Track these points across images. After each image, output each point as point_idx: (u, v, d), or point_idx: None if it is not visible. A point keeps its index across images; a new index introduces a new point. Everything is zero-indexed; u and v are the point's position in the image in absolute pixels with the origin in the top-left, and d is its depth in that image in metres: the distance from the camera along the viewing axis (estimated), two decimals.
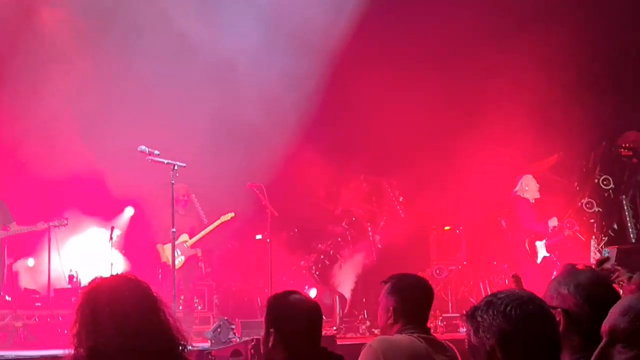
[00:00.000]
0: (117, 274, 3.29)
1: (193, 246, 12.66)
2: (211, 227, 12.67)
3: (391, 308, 4.67)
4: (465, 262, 13.66)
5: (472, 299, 13.34)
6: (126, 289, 3.14)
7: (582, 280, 3.07)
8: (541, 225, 12.46)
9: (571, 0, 13.49)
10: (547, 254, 12.50)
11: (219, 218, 12.66)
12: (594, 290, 3.02)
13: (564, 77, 13.13)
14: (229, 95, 13.52)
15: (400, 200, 14.14)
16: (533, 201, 12.52)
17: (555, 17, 13.40)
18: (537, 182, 12.58)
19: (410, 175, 13.90)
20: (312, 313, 4.06)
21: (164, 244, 12.35)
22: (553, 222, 12.42)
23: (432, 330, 4.76)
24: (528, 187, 12.54)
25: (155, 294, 3.19)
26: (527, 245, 12.57)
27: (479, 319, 2.47)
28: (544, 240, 12.52)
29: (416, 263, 13.05)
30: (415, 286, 4.73)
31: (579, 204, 13.41)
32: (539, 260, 12.55)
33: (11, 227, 11.38)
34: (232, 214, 12.58)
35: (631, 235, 13.21)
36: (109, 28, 13.29)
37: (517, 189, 12.61)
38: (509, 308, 2.42)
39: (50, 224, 11.42)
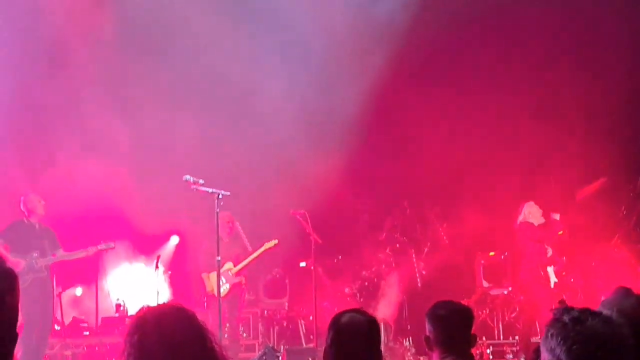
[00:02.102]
0: (164, 303, 3.34)
1: (237, 274, 12.72)
2: (255, 254, 12.73)
3: (426, 337, 4.69)
4: (511, 288, 13.54)
5: (518, 325, 13.20)
6: (173, 317, 3.18)
7: (627, 306, 3.03)
8: (544, 250, 12.40)
9: (618, 25, 13.39)
10: (556, 280, 12.39)
11: (262, 245, 12.73)
12: (637, 315, 2.98)
13: (610, 100, 13.03)
14: (272, 124, 13.63)
15: (445, 226, 14.06)
16: (541, 226, 12.44)
17: (602, 40, 13.33)
18: (540, 208, 12.51)
19: (454, 202, 13.84)
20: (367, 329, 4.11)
21: (209, 273, 12.43)
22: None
23: (478, 358, 4.76)
24: (532, 214, 12.44)
25: (201, 322, 3.23)
26: (541, 272, 12.46)
27: (549, 335, 2.38)
28: (552, 267, 12.41)
29: (461, 289, 12.97)
30: (448, 314, 4.71)
31: (626, 229, 13.23)
32: (552, 286, 12.45)
33: (58, 253, 11.43)
34: (276, 241, 12.63)
35: None
36: (154, 58, 13.48)
37: (520, 217, 12.51)
38: (574, 347, 2.31)
39: (98, 247, 11.45)
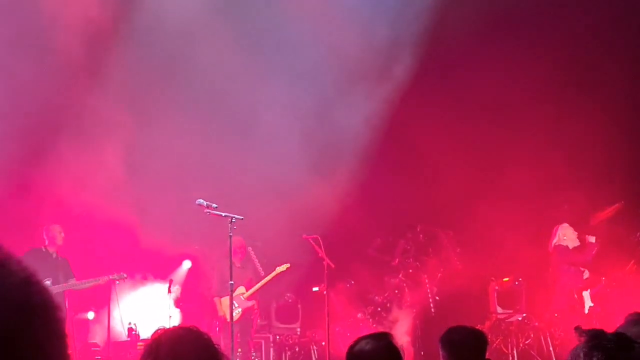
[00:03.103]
0: (180, 325, 3.32)
1: (249, 298, 12.69)
2: (267, 278, 12.73)
3: None
4: (525, 314, 13.43)
5: (533, 352, 13.08)
6: (188, 340, 3.16)
7: (635, 333, 3.00)
8: (580, 273, 12.33)
9: (633, 53, 13.41)
10: (592, 304, 12.28)
11: (274, 270, 12.71)
12: None
13: (625, 123, 13.00)
14: (282, 147, 13.65)
15: (458, 251, 14.00)
16: (575, 249, 12.38)
17: (616, 62, 13.33)
18: (575, 230, 12.45)
19: (468, 226, 13.78)
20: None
21: (221, 297, 12.41)
22: (591, 238, 12.26)
23: None
24: (566, 237, 12.38)
25: (216, 346, 3.21)
26: (575, 296, 12.38)
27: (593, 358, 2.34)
28: (588, 290, 12.33)
29: (475, 315, 12.87)
30: (462, 339, 4.67)
31: None
32: (586, 311, 12.34)
33: (69, 282, 11.60)
34: (288, 265, 12.63)
35: None
36: (166, 88, 13.53)
37: (555, 240, 12.46)
38: None
39: (110, 277, 11.60)
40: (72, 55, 12.67)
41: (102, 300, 12.18)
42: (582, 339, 2.35)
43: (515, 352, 13.25)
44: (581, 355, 2.32)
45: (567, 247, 12.41)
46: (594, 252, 12.46)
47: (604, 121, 13.06)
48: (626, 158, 13.28)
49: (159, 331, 3.22)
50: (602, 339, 2.32)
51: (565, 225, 12.55)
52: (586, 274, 12.51)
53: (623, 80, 13.26)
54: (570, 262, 12.50)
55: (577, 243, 12.44)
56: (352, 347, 4.10)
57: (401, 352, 4.14)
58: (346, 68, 13.94)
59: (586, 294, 12.34)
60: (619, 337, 2.34)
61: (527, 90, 13.35)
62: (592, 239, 12.48)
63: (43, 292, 1.52)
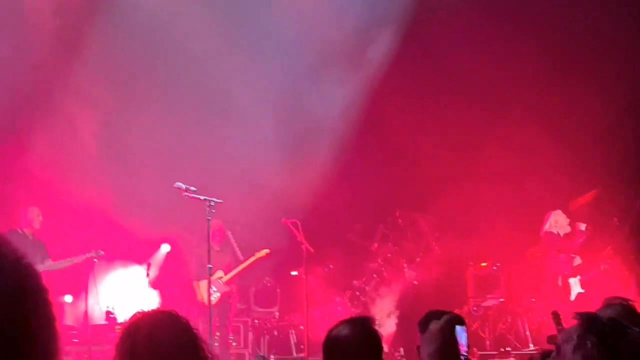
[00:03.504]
0: (158, 309, 3.30)
1: (228, 282, 12.68)
2: (246, 263, 12.71)
3: (418, 347, 4.64)
4: (502, 299, 13.51)
5: (510, 337, 13.18)
6: (166, 324, 3.14)
7: (609, 314, 3.01)
8: (570, 260, 12.40)
9: (612, 36, 13.42)
10: (582, 290, 12.36)
11: (254, 254, 12.69)
12: None
13: (603, 111, 13.05)
14: (262, 132, 13.60)
15: (436, 236, 14.04)
16: (565, 236, 12.45)
17: (594, 51, 13.36)
18: (567, 217, 12.53)
19: (447, 211, 13.82)
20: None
21: (199, 281, 12.38)
22: (582, 227, 12.34)
23: None
24: (558, 223, 12.45)
25: (193, 329, 3.19)
26: (560, 282, 12.46)
27: (587, 343, 2.30)
28: (578, 277, 12.40)
29: (453, 300, 12.93)
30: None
31: (619, 240, 13.23)
32: (572, 297, 12.41)
33: (45, 263, 11.53)
34: (267, 250, 12.62)
35: None
36: (145, 72, 13.43)
37: (546, 226, 12.54)
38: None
39: (87, 255, 11.50)
40: (49, 29, 12.55)
41: (80, 284, 12.11)
42: (575, 322, 2.34)
43: (492, 336, 13.34)
44: (574, 337, 2.30)
45: (556, 233, 12.47)
46: (581, 240, 12.54)
47: (586, 103, 13.09)
48: (605, 143, 13.33)
49: (136, 315, 3.20)
50: (597, 323, 2.32)
51: (558, 212, 12.62)
52: (577, 261, 12.58)
53: (607, 64, 13.27)
54: (558, 248, 12.57)
55: (567, 230, 12.50)
56: (330, 332, 4.08)
57: (380, 336, 4.13)
58: (322, 51, 13.89)
59: (574, 280, 12.41)
60: (614, 322, 2.32)
61: (508, 73, 13.33)
62: (583, 227, 12.55)
63: (34, 274, 1.49)
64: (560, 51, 13.69)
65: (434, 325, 2.73)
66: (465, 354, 2.81)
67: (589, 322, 2.29)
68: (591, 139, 13.30)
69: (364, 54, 14.05)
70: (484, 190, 13.37)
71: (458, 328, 2.76)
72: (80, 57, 13.23)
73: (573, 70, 13.35)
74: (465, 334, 2.86)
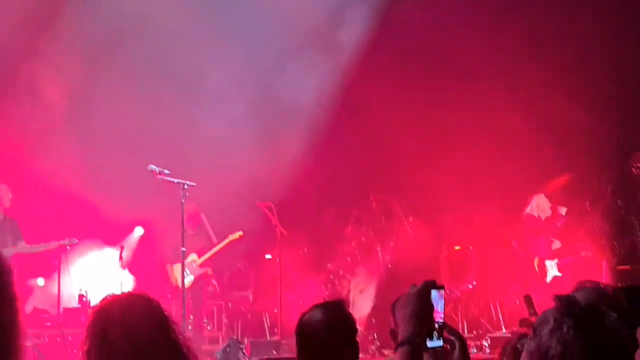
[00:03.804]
0: (128, 292, 3.28)
1: (202, 265, 12.65)
2: (219, 246, 12.69)
3: (391, 330, 4.65)
4: (475, 282, 13.58)
5: (482, 320, 13.26)
6: (138, 307, 3.13)
7: (580, 298, 3.03)
8: (549, 243, 12.50)
9: (587, 17, 13.46)
10: (559, 274, 12.45)
11: (227, 237, 12.67)
12: None
13: (576, 96, 13.10)
14: (237, 114, 13.54)
15: (410, 220, 14.07)
16: (544, 219, 12.54)
17: (569, 32, 13.40)
18: (550, 202, 12.62)
19: (421, 195, 13.85)
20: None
21: (173, 264, 12.35)
22: (562, 211, 12.46)
23: None
24: (539, 207, 12.54)
25: (166, 312, 3.18)
26: (535, 265, 12.55)
27: (563, 327, 2.28)
28: (556, 260, 12.50)
29: None
30: None
31: (591, 224, 13.34)
32: (548, 280, 12.51)
33: (18, 245, 11.39)
34: (240, 233, 12.60)
35: None
36: (117, 50, 13.31)
37: (528, 209, 12.62)
38: (597, 345, 2.25)
39: (61, 242, 11.43)
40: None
41: (52, 267, 12.05)
42: (550, 305, 2.33)
43: (465, 319, 13.42)
44: (551, 321, 2.29)
45: (537, 217, 12.56)
46: (560, 223, 12.64)
47: (561, 85, 13.14)
48: (579, 127, 13.39)
49: (107, 298, 3.18)
50: (575, 307, 2.30)
51: (541, 195, 12.71)
52: (557, 245, 12.66)
53: (584, 50, 13.32)
54: (537, 231, 12.67)
55: (548, 214, 12.60)
56: (302, 317, 4.08)
57: (354, 320, 4.13)
58: (296, 33, 13.83)
59: (551, 263, 12.50)
60: (592, 307, 2.31)
61: (485, 56, 13.35)
62: (563, 211, 12.66)
63: None
64: (537, 34, 13.69)
65: (412, 290, 2.73)
66: (441, 320, 2.80)
67: (567, 306, 2.28)
68: (566, 124, 13.35)
69: (338, 36, 14.00)
70: (459, 174, 13.41)
71: (434, 292, 2.75)
72: (51, 30, 13.09)
73: (550, 54, 13.37)
74: (442, 301, 2.85)
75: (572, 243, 12.63)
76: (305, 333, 4.00)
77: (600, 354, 2.21)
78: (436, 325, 2.78)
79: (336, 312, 4.06)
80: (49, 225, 12.44)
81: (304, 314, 4.08)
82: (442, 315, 2.81)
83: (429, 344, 2.74)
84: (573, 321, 2.24)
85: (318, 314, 4.02)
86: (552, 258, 12.53)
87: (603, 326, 2.24)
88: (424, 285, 2.71)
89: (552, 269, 12.52)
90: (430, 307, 2.70)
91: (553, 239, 12.65)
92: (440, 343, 2.79)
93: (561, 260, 12.51)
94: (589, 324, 2.24)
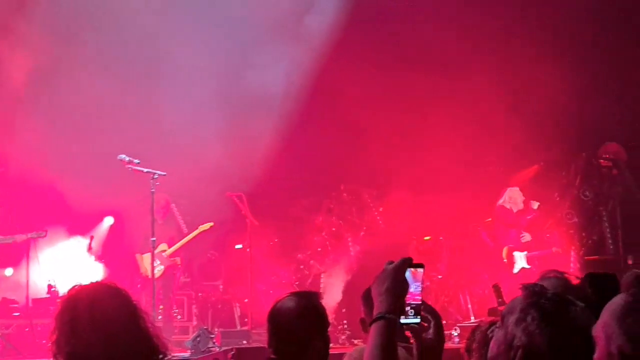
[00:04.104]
0: (96, 282, 3.27)
1: (172, 255, 12.61)
2: (189, 236, 12.65)
3: (361, 319, 4.67)
4: (445, 273, 13.67)
5: (451, 309, 13.35)
6: (106, 296, 3.13)
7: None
8: (519, 236, 12.61)
9: (554, 11, 13.55)
10: (527, 266, 12.56)
11: (198, 227, 12.63)
12: None
13: (545, 88, 13.19)
14: (207, 103, 13.46)
15: (380, 210, 14.12)
16: (516, 212, 12.65)
17: (536, 26, 13.47)
18: (523, 194, 12.73)
19: (391, 185, 13.89)
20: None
21: (142, 254, 12.30)
22: (534, 205, 12.58)
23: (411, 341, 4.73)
24: (512, 199, 12.64)
25: (135, 302, 3.18)
26: (504, 255, 12.65)
27: (528, 318, 2.28)
28: (525, 252, 12.61)
29: None
30: None
31: (560, 215, 13.47)
32: (515, 271, 12.62)
33: None
34: (211, 224, 12.56)
35: (610, 247, 13.27)
36: (84, 35, 13.18)
37: (501, 200, 12.72)
38: (559, 336, 2.25)
39: (29, 235, 11.33)
40: None
41: (20, 257, 11.96)
42: (521, 294, 2.32)
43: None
44: (517, 310, 2.29)
45: (509, 208, 12.67)
46: (530, 217, 12.75)
47: (532, 76, 13.21)
48: (546, 119, 13.49)
49: (75, 287, 3.18)
50: (541, 297, 2.28)
51: (515, 188, 12.84)
52: (527, 238, 12.77)
53: (559, 40, 13.40)
54: (507, 223, 12.77)
55: (520, 207, 12.70)
56: (275, 304, 4.11)
57: (325, 310, 4.17)
58: (266, 21, 13.76)
59: (520, 255, 12.61)
60: (558, 297, 2.29)
61: (459, 43, 13.38)
62: (535, 205, 12.76)
63: None
64: (511, 25, 13.71)
65: (387, 266, 2.73)
66: (419, 298, 2.78)
67: (533, 296, 2.27)
68: (534, 114, 13.44)
69: (308, 23, 13.95)
70: (429, 165, 13.45)
71: (412, 270, 2.74)
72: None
73: (525, 45, 13.42)
74: (421, 280, 2.82)
75: (544, 238, 12.76)
76: (277, 319, 4.03)
77: (564, 345, 2.21)
78: (414, 304, 2.78)
79: (308, 301, 4.09)
80: (18, 216, 12.33)
81: (277, 302, 4.12)
82: (420, 294, 2.79)
83: (404, 320, 2.74)
84: (538, 312, 2.24)
85: (290, 302, 4.06)
86: (521, 250, 12.65)
87: (568, 317, 2.23)
88: (401, 261, 2.71)
89: (521, 261, 12.63)
90: (406, 284, 2.69)
91: (523, 232, 12.76)
92: (416, 320, 2.79)
93: (530, 253, 12.63)
94: (554, 315, 2.23)
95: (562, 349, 2.21)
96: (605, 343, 2.15)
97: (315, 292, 4.28)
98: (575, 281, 3.18)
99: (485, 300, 11.81)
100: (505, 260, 12.74)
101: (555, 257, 12.61)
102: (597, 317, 2.41)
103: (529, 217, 12.84)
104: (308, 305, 4.08)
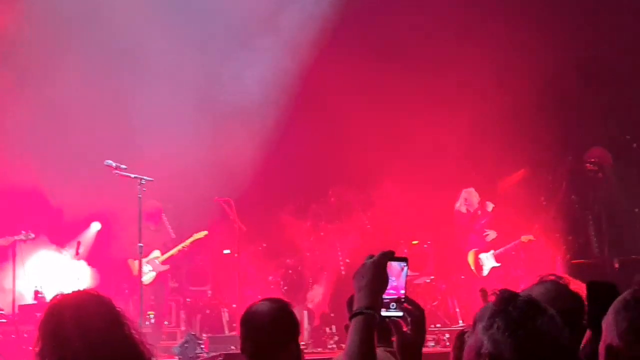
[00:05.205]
0: (79, 290, 3.27)
1: (165, 262, 12.59)
2: (184, 244, 12.63)
3: (346, 325, 4.68)
4: (433, 277, 13.69)
5: (439, 314, 13.37)
6: (90, 304, 3.13)
7: (537, 290, 3.03)
8: (482, 237, 12.65)
9: (537, 14, 13.61)
10: (497, 264, 12.60)
11: (187, 232, 12.62)
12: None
13: (530, 92, 13.23)
14: (193, 108, 13.44)
15: (368, 214, 14.13)
16: (470, 215, 12.68)
17: (521, 30, 13.50)
18: (479, 195, 12.74)
19: (379, 190, 13.92)
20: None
21: (135, 259, 12.27)
22: (489, 207, 12.60)
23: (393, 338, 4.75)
24: (467, 200, 12.66)
25: (118, 309, 3.18)
26: (470, 261, 12.68)
27: (494, 326, 2.25)
28: (491, 252, 12.64)
29: None
30: None
31: (546, 219, 13.51)
32: (485, 273, 12.65)
33: None
34: (205, 232, 12.57)
35: (596, 251, 13.32)
36: (68, 41, 13.15)
37: (457, 204, 12.75)
38: (525, 346, 2.21)
39: (16, 237, 11.29)
40: None
41: (6, 262, 11.91)
42: (490, 300, 2.31)
43: None
44: (485, 318, 2.27)
45: (464, 212, 12.68)
46: (484, 221, 12.76)
47: (515, 78, 13.24)
48: (532, 123, 13.53)
49: (58, 297, 3.18)
50: (509, 305, 2.23)
51: (470, 189, 12.80)
52: (492, 235, 12.79)
53: (541, 43, 13.44)
54: (462, 227, 12.79)
55: (476, 207, 12.73)
56: (249, 308, 4.17)
57: (311, 314, 4.22)
58: (250, 21, 13.74)
59: (486, 256, 12.64)
60: (528, 304, 2.24)
61: (444, 50, 13.41)
62: (490, 207, 12.77)
63: None
64: (490, 24, 13.71)
65: (368, 260, 2.71)
66: (403, 292, 2.75)
67: (502, 303, 2.24)
68: (519, 119, 13.48)
69: (293, 23, 13.91)
70: (418, 169, 13.47)
71: (395, 264, 2.72)
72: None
73: (509, 50, 13.46)
74: (405, 273, 2.78)
75: (509, 230, 12.74)
76: (249, 322, 4.10)
77: (529, 353, 2.18)
78: (396, 297, 2.75)
79: (280, 306, 4.17)
80: (4, 221, 12.28)
81: (250, 306, 4.19)
82: (404, 287, 2.76)
83: (386, 313, 2.72)
84: (503, 320, 2.20)
85: (263, 306, 4.15)
86: (486, 250, 12.67)
87: (534, 325, 2.20)
88: (380, 255, 2.68)
89: (488, 261, 12.65)
90: (386, 279, 2.67)
91: (487, 230, 12.76)
92: (398, 314, 2.76)
93: (497, 251, 12.65)
94: (519, 324, 2.20)
95: (527, 357, 2.19)
96: (604, 335, 2.17)
97: (286, 302, 4.33)
98: (574, 287, 3.17)
99: (473, 305, 11.83)
100: (472, 266, 12.78)
101: (528, 246, 12.62)
102: (594, 326, 2.39)
103: (483, 222, 12.85)
104: (279, 308, 4.14)
